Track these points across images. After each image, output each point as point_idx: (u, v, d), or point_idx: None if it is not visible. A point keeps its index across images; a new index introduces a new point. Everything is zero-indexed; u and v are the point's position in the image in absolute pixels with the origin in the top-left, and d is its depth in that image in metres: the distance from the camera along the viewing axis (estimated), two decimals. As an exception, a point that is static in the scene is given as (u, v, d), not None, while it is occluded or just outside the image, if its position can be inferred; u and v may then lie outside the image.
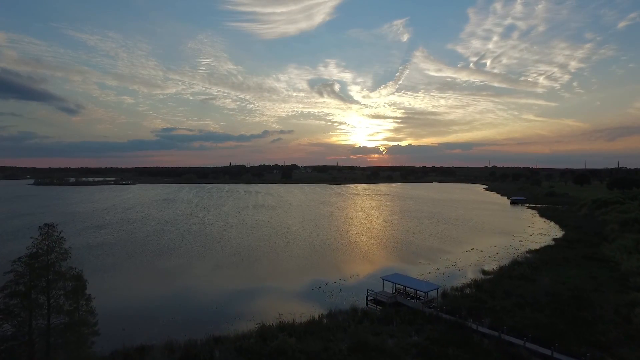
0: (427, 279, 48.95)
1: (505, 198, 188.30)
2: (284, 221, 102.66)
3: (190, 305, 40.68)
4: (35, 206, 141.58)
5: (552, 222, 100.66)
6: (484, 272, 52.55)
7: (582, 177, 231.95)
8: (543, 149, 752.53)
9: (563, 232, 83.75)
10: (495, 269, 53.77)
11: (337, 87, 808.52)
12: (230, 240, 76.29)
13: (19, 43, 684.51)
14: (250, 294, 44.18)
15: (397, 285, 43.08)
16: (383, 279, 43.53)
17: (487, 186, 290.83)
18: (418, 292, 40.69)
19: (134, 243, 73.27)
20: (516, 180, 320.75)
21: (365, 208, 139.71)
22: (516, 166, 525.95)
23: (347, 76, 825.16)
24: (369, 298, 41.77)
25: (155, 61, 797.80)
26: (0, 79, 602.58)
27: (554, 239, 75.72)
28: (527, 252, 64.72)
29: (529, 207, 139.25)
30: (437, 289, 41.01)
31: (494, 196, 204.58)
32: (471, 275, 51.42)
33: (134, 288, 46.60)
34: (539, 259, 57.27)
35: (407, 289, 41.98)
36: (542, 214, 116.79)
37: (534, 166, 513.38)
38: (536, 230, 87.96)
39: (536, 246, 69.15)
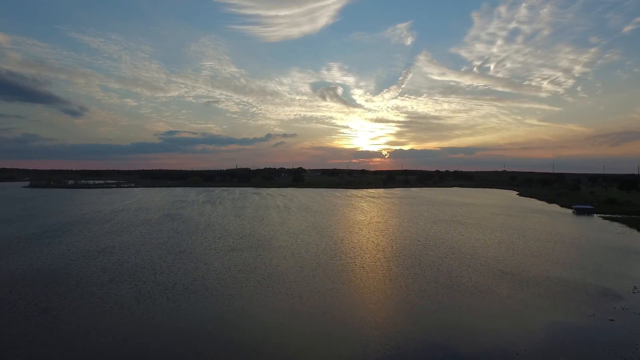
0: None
1: (554, 205, 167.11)
2: (324, 232, 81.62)
3: None
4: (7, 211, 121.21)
5: (667, 239, 79.56)
6: None
7: (631, 182, 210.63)
8: (546, 153, 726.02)
9: None
10: None
11: (339, 90, 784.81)
12: (275, 267, 55.41)
13: (23, 45, 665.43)
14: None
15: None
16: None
17: (517, 192, 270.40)
18: None
19: (143, 270, 52.68)
20: (546, 184, 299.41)
21: (407, 215, 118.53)
22: (519, 171, 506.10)
23: (350, 80, 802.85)
24: None
25: (158, 64, 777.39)
26: (5, 81, 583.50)
27: None
28: None
29: (604, 219, 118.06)
30: None
31: (537, 203, 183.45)
32: None
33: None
34: None
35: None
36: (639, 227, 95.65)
37: (538, 170, 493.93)
38: (666, 252, 66.86)
39: None
